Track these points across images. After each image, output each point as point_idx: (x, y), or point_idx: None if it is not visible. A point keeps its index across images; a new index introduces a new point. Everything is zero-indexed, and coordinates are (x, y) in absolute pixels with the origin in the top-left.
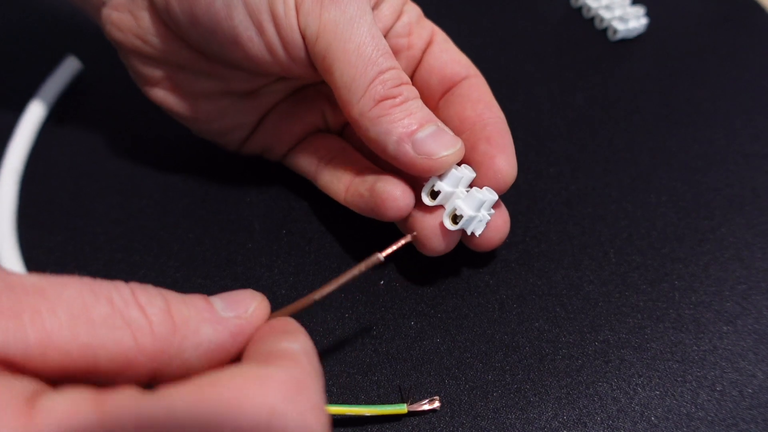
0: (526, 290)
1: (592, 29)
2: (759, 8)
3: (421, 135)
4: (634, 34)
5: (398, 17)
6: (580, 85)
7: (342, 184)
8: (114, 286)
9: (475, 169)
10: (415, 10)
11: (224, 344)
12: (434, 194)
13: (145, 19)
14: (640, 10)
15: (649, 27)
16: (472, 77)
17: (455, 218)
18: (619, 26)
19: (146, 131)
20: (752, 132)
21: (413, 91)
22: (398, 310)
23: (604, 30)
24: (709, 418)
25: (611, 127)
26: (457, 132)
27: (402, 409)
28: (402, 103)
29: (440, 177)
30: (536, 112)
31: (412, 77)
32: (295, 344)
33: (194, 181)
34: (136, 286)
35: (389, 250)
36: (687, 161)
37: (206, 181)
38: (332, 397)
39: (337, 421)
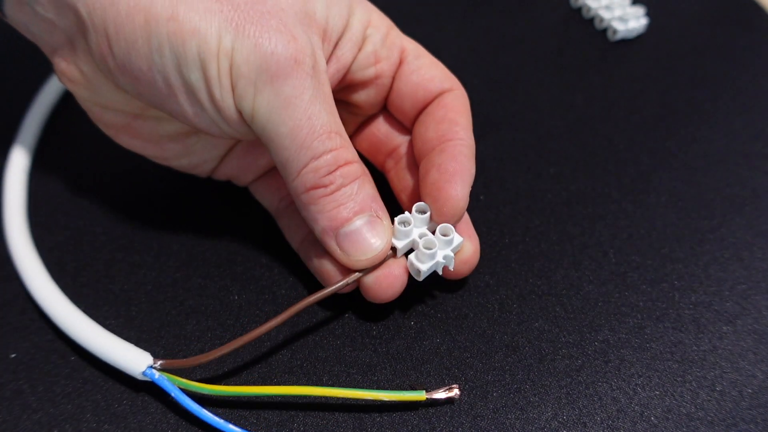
0: (526, 290)
1: (592, 29)
2: (759, 8)
3: (347, 229)
4: (634, 34)
5: (360, 48)
6: (580, 86)
7: (297, 236)
8: None
9: (426, 198)
10: (379, 32)
11: None
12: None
13: (91, 73)
14: (640, 11)
15: (649, 27)
16: (445, 93)
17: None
18: (619, 26)
19: None
20: (752, 132)
21: (351, 174)
22: (398, 310)
23: (604, 30)
24: (708, 418)
25: (611, 127)
26: (420, 155)
27: (421, 395)
28: (333, 192)
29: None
30: (536, 112)
31: (385, 104)
32: None
33: (195, 182)
34: None
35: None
36: (687, 161)
37: (207, 181)
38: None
39: (352, 407)
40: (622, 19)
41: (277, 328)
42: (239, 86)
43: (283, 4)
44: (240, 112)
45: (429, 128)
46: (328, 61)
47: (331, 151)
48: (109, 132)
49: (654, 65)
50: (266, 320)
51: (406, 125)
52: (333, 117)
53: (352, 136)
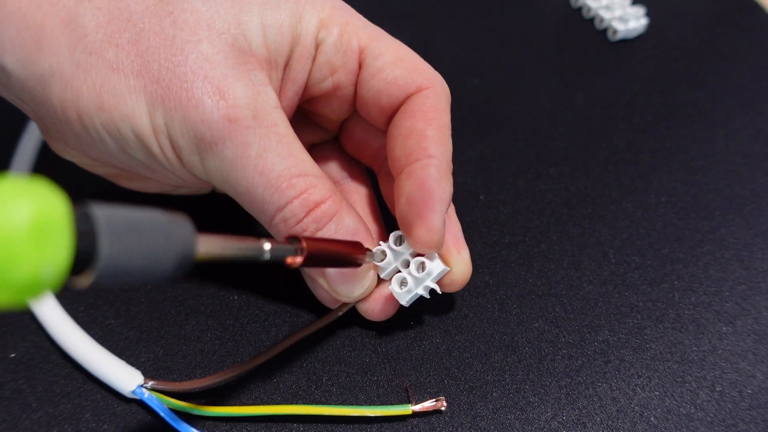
0: (526, 290)
1: (592, 29)
2: (759, 8)
3: (331, 271)
4: (634, 34)
5: (314, 60)
6: (580, 85)
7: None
8: None
9: (401, 228)
10: (332, 35)
11: None
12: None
13: (68, 146)
14: (640, 11)
15: (649, 27)
16: (413, 96)
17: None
18: (619, 26)
19: None
20: (752, 132)
21: (324, 216)
22: (398, 310)
23: (604, 30)
24: (708, 418)
25: (611, 127)
26: (393, 173)
27: (407, 410)
28: None
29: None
30: (536, 112)
31: (353, 111)
32: None
33: None
34: None
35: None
36: (687, 161)
37: None
38: (332, 397)
39: (340, 420)
40: (622, 19)
41: (277, 328)
42: (185, 157)
43: (208, 52)
44: (197, 175)
45: (396, 144)
46: (282, 86)
47: (295, 198)
48: (108, 179)
49: (654, 65)
50: (259, 353)
51: (382, 129)
52: (292, 159)
53: (338, 137)
